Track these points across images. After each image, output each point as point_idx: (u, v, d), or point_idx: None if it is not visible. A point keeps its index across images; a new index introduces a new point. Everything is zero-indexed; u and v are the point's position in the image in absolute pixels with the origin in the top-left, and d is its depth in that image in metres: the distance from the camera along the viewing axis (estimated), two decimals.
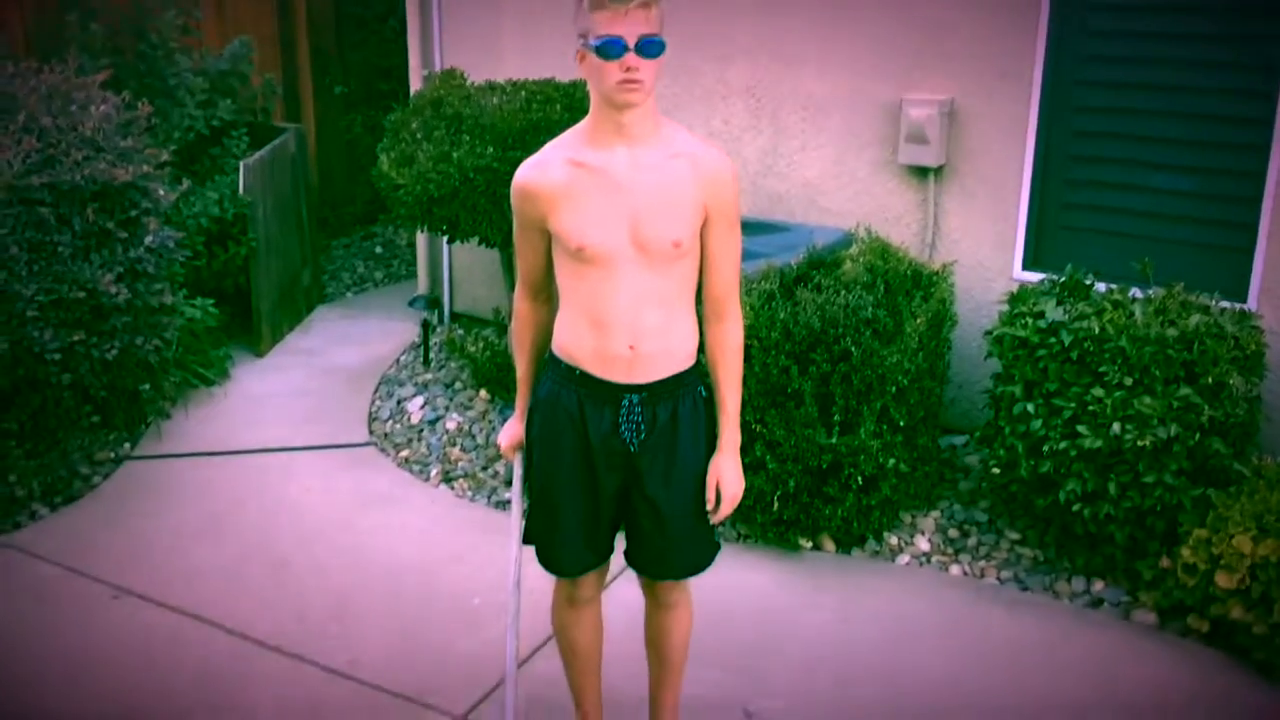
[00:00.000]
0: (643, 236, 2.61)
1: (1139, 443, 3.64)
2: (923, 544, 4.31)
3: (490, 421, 5.21)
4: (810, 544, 4.30)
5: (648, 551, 2.86)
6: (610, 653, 3.11)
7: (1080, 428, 3.76)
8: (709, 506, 2.81)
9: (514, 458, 2.97)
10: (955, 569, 4.19)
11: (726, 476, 2.79)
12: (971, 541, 4.32)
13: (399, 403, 5.48)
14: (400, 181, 4.88)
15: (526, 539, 2.92)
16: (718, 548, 2.93)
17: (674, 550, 2.84)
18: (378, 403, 5.54)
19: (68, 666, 3.60)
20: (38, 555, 4.19)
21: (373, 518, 4.54)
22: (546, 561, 2.90)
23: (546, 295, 2.85)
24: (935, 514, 4.45)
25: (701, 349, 2.80)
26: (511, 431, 2.95)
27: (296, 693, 3.50)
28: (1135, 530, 3.84)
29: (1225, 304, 4.02)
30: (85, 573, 4.08)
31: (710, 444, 2.81)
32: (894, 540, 4.33)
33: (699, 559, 2.89)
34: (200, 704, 3.44)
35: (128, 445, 5.01)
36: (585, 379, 2.71)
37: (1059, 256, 4.60)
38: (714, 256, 2.71)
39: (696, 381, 2.79)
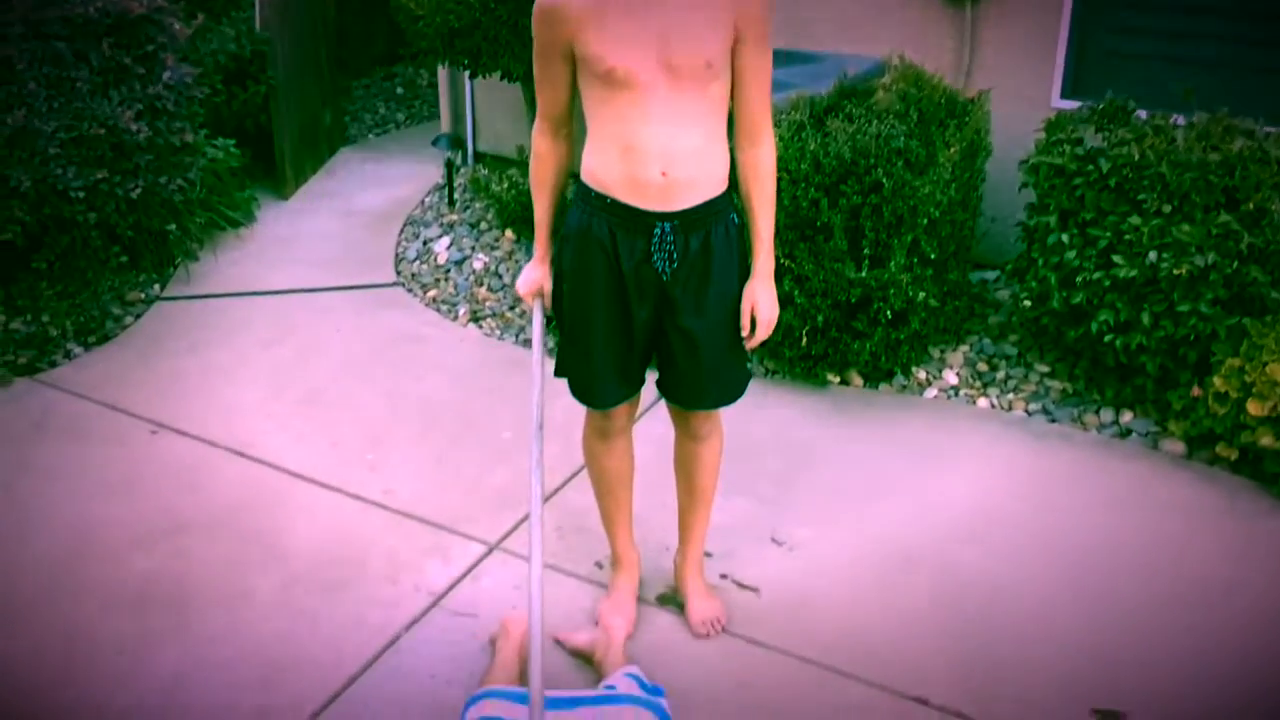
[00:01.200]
0: (673, 57, 2.53)
1: (1175, 271, 3.58)
2: (951, 378, 4.31)
3: (516, 261, 5.19)
4: (838, 379, 4.31)
5: (681, 381, 2.86)
6: (641, 482, 3.15)
7: (1115, 257, 3.70)
8: (744, 333, 2.80)
9: (533, 304, 2.91)
10: (983, 402, 4.20)
11: (761, 302, 2.77)
12: (1000, 375, 4.31)
13: (425, 244, 5.46)
14: (419, 12, 4.75)
15: (559, 372, 2.92)
16: (749, 377, 2.94)
17: (707, 380, 2.85)
18: (404, 244, 5.52)
19: (113, 492, 3.70)
20: (75, 393, 4.25)
21: (402, 356, 4.57)
22: (580, 394, 2.91)
23: (567, 132, 2.78)
24: (964, 348, 4.44)
25: (733, 175, 2.75)
26: (529, 278, 2.90)
27: (332, 520, 3.59)
28: (1167, 361, 3.82)
29: (1270, 129, 3.90)
30: (122, 409, 4.15)
31: (743, 272, 2.79)
32: (922, 374, 4.33)
33: (731, 389, 2.90)
34: (240, 527, 3.54)
35: (157, 286, 5.03)
36: (616, 207, 2.67)
37: (1099, 84, 4.45)
38: (745, 77, 2.64)
39: (728, 208, 2.74)
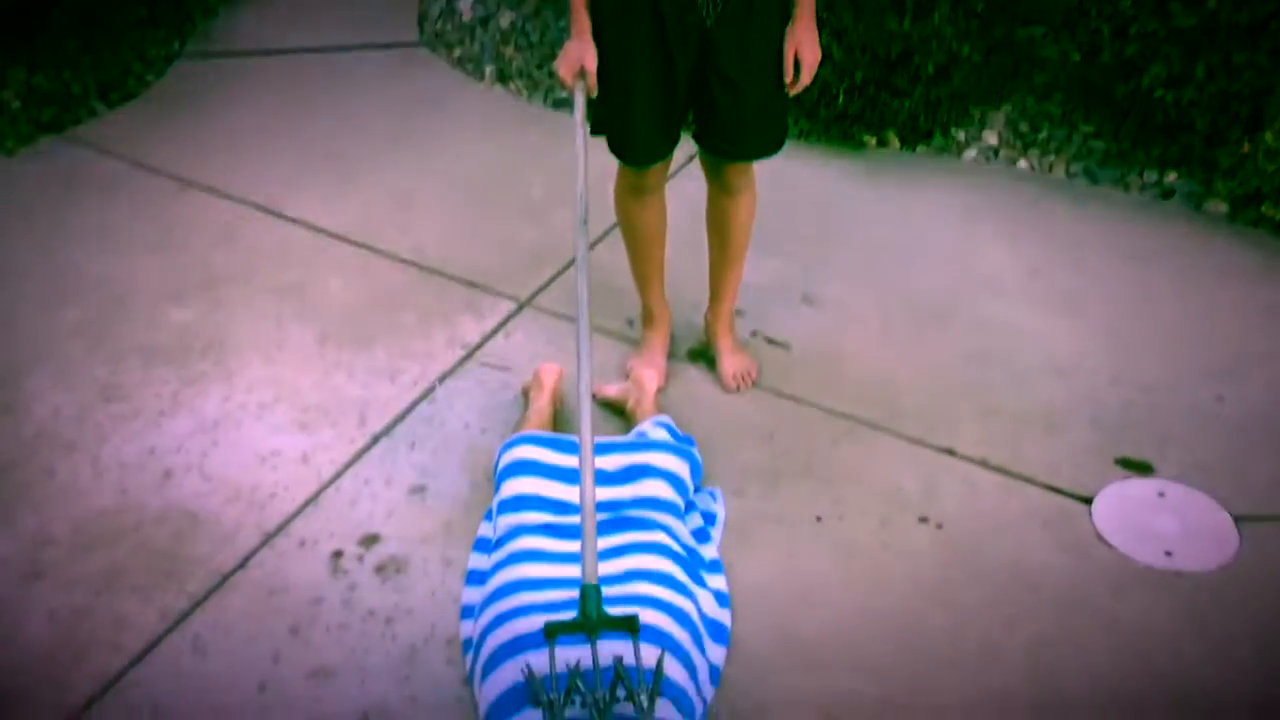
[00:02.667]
0: None
1: (1235, 18, 3.41)
2: (991, 139, 4.19)
3: (544, 19, 5.01)
4: (874, 140, 4.20)
5: (722, 130, 2.78)
6: (672, 239, 3.12)
7: (1173, 5, 3.52)
8: (787, 78, 2.71)
9: (575, 85, 2.68)
10: (1023, 163, 4.10)
11: (805, 44, 2.68)
12: (1043, 136, 4.19)
13: (449, 1, 5.27)
14: None
15: (596, 130, 2.81)
16: (787, 130, 2.86)
17: (748, 128, 2.77)
18: (426, 1, 5.34)
19: (146, 247, 3.72)
20: (103, 149, 4.22)
21: (429, 117, 4.49)
22: (619, 150, 2.83)
23: None
24: (1006, 108, 4.30)
25: None
26: (570, 55, 2.66)
27: (363, 276, 3.60)
28: (1218, 117, 3.69)
29: None
30: (151, 166, 4.12)
31: (784, 15, 2.68)
32: (961, 136, 4.21)
33: (771, 139, 2.83)
34: (274, 282, 3.56)
35: (177, 43, 4.91)
36: None
37: None
38: None
39: None
